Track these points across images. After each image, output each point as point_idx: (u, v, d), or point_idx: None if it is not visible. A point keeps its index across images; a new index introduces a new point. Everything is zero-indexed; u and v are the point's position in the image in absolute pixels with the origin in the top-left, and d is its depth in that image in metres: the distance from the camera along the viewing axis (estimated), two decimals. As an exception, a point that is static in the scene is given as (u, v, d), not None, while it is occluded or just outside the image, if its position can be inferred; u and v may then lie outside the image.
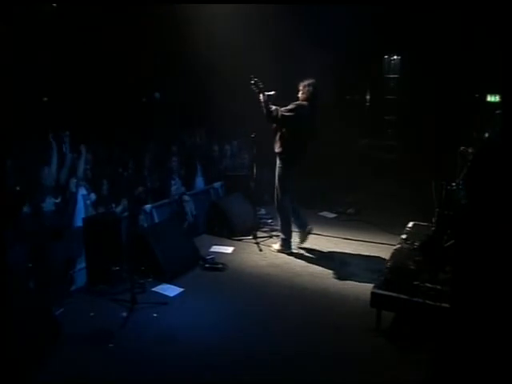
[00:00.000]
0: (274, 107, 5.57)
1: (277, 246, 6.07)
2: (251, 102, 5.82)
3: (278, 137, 5.70)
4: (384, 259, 5.29)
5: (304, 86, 5.62)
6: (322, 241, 6.50)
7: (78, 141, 5.75)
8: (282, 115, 5.53)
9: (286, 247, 5.98)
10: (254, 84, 5.53)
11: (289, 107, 5.56)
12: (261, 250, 6.16)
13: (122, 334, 4.15)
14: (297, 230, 6.11)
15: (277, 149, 5.72)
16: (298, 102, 5.61)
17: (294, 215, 5.97)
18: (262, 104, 5.54)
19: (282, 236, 6.01)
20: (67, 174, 5.45)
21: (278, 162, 5.80)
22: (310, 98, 5.60)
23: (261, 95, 5.54)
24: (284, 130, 5.64)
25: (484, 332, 2.74)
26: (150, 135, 7.65)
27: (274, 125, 5.71)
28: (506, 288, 2.67)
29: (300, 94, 5.65)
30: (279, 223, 6.04)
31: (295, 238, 6.10)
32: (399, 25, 8.19)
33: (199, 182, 7.68)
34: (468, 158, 4.48)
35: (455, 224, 4.28)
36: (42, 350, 3.77)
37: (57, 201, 5.22)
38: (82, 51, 6.86)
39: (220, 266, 5.57)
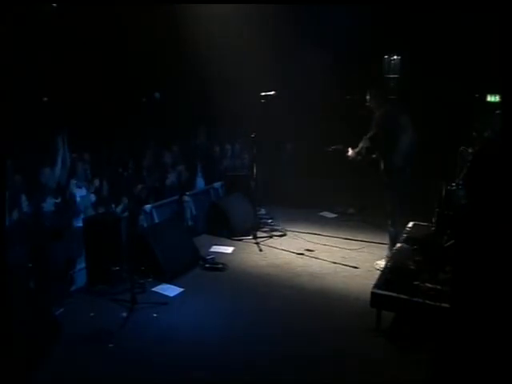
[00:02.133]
0: (360, 144, 5.47)
1: (381, 262, 5.51)
2: (251, 102, 5.80)
3: (380, 158, 5.48)
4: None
5: (369, 98, 5.43)
6: (322, 241, 6.52)
7: (78, 141, 5.75)
8: (370, 137, 5.37)
9: None
10: (334, 151, 5.61)
11: (372, 125, 5.37)
12: (261, 250, 6.17)
13: (122, 334, 4.16)
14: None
15: (382, 167, 5.49)
16: (376, 114, 5.37)
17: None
18: (355, 155, 5.55)
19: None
20: (67, 175, 5.45)
21: (386, 179, 5.51)
22: (382, 100, 5.41)
23: (346, 153, 5.59)
24: (381, 147, 5.41)
25: (484, 332, 2.74)
26: (150, 135, 7.65)
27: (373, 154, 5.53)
28: (506, 288, 2.67)
29: (374, 109, 5.42)
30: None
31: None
32: (399, 25, 8.17)
33: (199, 182, 7.68)
34: (468, 158, 4.48)
35: (455, 224, 4.27)
36: (42, 349, 3.77)
37: (57, 201, 5.22)
38: (82, 51, 6.86)
39: (220, 265, 5.58)
